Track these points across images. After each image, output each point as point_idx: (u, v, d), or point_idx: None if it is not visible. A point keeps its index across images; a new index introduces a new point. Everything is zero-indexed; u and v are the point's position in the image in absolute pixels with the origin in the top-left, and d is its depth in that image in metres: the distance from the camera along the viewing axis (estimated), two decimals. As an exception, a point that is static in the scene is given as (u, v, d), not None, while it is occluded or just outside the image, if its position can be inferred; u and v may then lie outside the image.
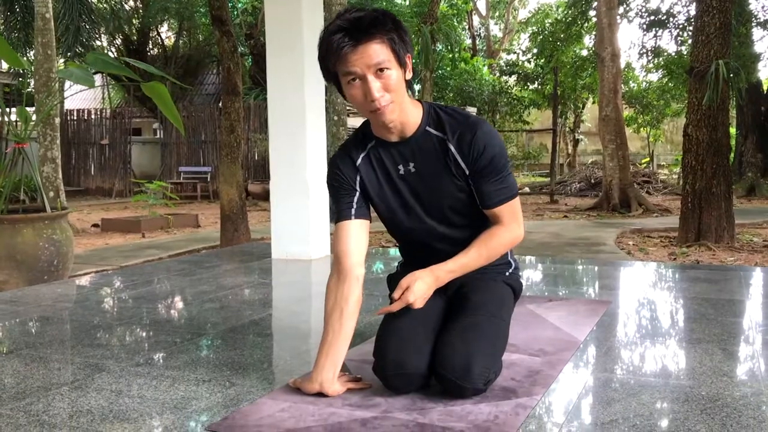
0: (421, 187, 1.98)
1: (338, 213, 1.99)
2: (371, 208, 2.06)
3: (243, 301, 3.33)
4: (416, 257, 2.15)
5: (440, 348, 1.90)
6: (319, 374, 1.88)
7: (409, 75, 1.87)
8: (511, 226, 1.99)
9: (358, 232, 1.97)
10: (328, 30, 1.80)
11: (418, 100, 2.00)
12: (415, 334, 1.92)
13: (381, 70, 1.78)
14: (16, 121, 5.18)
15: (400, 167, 1.97)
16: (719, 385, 2.01)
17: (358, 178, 1.99)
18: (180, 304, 3.33)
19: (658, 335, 2.67)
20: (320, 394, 1.89)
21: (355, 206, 1.98)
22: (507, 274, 2.20)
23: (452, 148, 1.92)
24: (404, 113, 1.90)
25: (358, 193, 1.99)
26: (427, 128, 1.94)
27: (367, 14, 1.79)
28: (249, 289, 3.63)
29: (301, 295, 3.72)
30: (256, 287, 3.71)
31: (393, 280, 2.22)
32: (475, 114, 1.99)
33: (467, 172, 1.94)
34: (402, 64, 1.83)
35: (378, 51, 1.77)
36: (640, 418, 1.76)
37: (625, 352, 2.44)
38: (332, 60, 1.79)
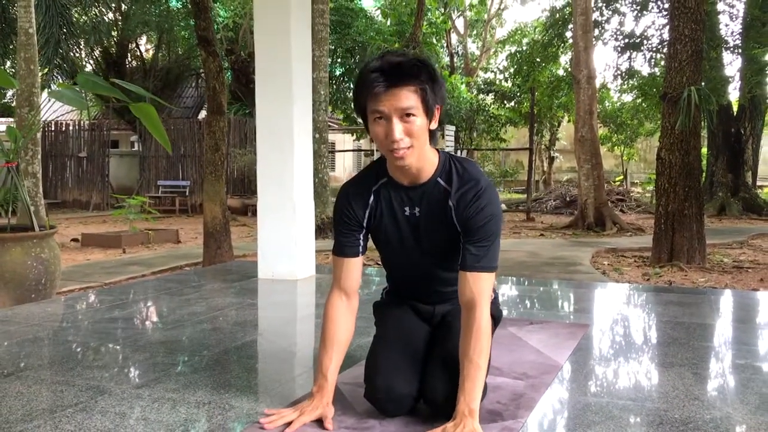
0: (421, 230, 2.08)
1: (346, 247, 2.10)
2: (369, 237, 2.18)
3: (234, 323, 3.41)
4: (402, 286, 2.30)
5: (427, 375, 2.04)
6: (326, 409, 1.99)
7: (434, 125, 1.94)
8: (482, 306, 1.95)
9: (360, 265, 2.14)
10: (367, 67, 1.89)
11: (438, 150, 2.07)
12: (402, 361, 2.05)
13: (407, 114, 1.86)
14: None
15: (407, 209, 2.06)
16: (691, 408, 2.14)
17: (367, 213, 2.08)
18: (173, 326, 3.40)
19: (633, 359, 2.82)
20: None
21: (361, 243, 2.11)
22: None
23: (451, 203, 2.00)
24: (421, 160, 1.97)
25: (364, 231, 2.10)
26: (438, 179, 2.02)
27: (406, 61, 1.86)
28: (239, 311, 3.72)
29: (290, 316, 3.81)
30: (245, 308, 3.79)
31: (379, 308, 2.36)
32: (483, 176, 2.03)
33: (459, 229, 2.01)
34: (429, 114, 1.90)
35: (408, 97, 1.85)
36: (618, 440, 1.89)
37: (603, 375, 2.58)
38: (364, 95, 1.88)
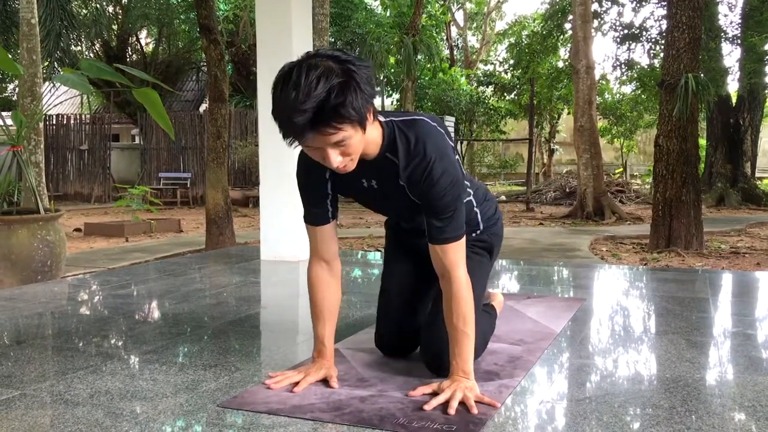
0: (384, 197, 2.04)
1: (317, 216, 2.06)
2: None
3: (238, 298, 3.49)
4: (393, 220, 2.43)
5: (425, 333, 2.15)
6: (330, 369, 2.08)
7: (370, 120, 1.78)
8: (457, 275, 1.96)
9: (334, 230, 2.12)
10: (287, 105, 1.64)
11: (381, 122, 1.91)
12: (409, 306, 2.29)
13: (341, 142, 1.72)
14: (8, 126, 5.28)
15: (364, 181, 2.01)
16: (681, 368, 2.22)
17: (329, 185, 2.04)
18: (177, 301, 3.47)
19: (628, 328, 2.89)
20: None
21: (330, 209, 2.07)
22: (474, 236, 2.32)
23: (401, 182, 1.94)
24: (364, 150, 1.85)
25: (330, 196, 2.06)
26: (387, 154, 1.92)
27: (326, 102, 1.63)
28: (242, 288, 3.79)
29: (292, 293, 3.88)
30: (248, 286, 3.87)
31: (386, 249, 2.48)
32: (431, 143, 1.90)
33: (417, 202, 1.96)
34: (362, 124, 1.74)
35: (338, 133, 1.69)
36: (610, 396, 1.96)
37: (597, 341, 2.65)
38: (290, 135, 1.70)
